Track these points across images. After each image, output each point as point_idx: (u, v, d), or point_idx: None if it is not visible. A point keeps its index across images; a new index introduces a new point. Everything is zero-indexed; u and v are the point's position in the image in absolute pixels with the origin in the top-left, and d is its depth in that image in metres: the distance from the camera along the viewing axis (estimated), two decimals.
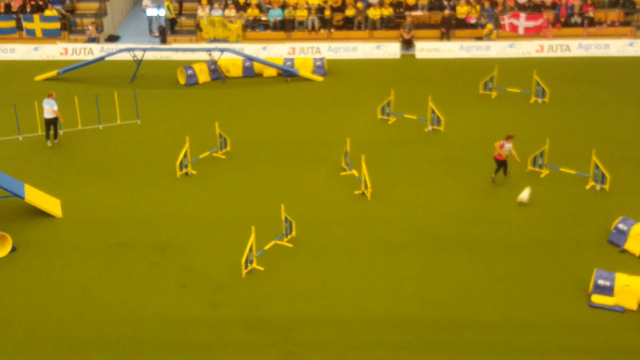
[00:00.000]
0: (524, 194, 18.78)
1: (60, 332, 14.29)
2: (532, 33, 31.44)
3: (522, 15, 31.36)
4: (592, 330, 14.18)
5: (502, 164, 19.72)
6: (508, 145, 19.43)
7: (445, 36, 31.82)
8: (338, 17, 32.53)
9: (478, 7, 32.43)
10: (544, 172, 20.18)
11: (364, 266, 16.23)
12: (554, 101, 25.38)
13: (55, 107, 22.04)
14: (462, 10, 32.22)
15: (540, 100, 25.51)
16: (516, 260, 16.37)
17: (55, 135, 22.67)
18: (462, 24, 32.20)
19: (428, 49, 30.96)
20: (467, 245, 16.94)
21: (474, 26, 32.10)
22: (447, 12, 31.90)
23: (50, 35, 31.87)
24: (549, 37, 31.36)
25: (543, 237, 17.24)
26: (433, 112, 23.18)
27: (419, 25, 32.42)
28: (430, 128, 23.26)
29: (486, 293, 15.25)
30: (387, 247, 16.95)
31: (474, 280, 15.68)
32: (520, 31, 31.42)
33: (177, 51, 30.44)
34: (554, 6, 32.49)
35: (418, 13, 32.60)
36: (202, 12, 32.32)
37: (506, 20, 31.44)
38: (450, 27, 31.85)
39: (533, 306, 14.82)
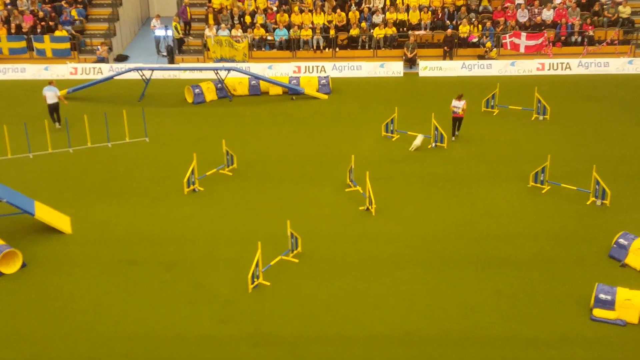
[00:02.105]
0: (417, 141, 22.50)
1: (71, 349, 14.46)
2: (533, 51, 31.80)
3: (523, 34, 31.73)
4: (594, 344, 14.36)
5: (456, 120, 23.48)
6: (459, 103, 23.11)
7: (448, 55, 32.21)
8: (342, 36, 32.94)
9: (480, 26, 32.83)
10: (546, 188, 20.44)
11: (370, 282, 16.43)
12: (555, 118, 25.69)
13: (59, 93, 24.92)
14: (464, 30, 32.62)
15: (541, 117, 25.83)
16: (519, 276, 16.56)
17: (59, 120, 25.12)
18: (464, 43, 32.59)
19: (431, 67, 31.33)
20: (472, 262, 17.14)
21: (476, 45, 32.49)
22: (449, 31, 32.31)
23: (60, 55, 32.32)
24: (549, 55, 31.71)
25: (545, 253, 17.45)
26: (436, 129, 23.49)
27: (422, 44, 32.82)
28: (433, 145, 23.55)
29: (491, 309, 15.43)
30: (392, 263, 17.16)
31: (478, 296, 15.87)
32: (522, 50, 31.80)
33: (185, 70, 30.86)
34: (554, 25, 32.88)
35: (421, 32, 33.00)
36: (209, 32, 32.78)
37: (507, 39, 31.83)
38: (452, 46, 32.24)
39: (537, 321, 15.00)
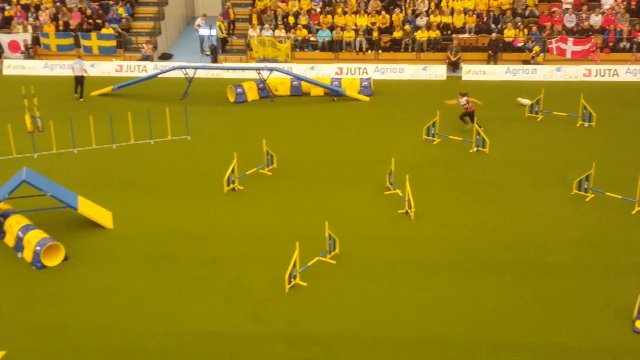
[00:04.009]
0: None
1: (108, 342, 14.65)
2: (580, 57, 31.34)
3: (570, 39, 31.29)
4: (635, 357, 14.08)
5: (467, 114, 24.46)
6: (462, 100, 24.08)
7: (492, 59, 31.91)
8: (386, 38, 32.86)
9: (525, 30, 32.45)
10: (589, 196, 20.11)
11: (406, 286, 16.36)
12: (600, 125, 25.27)
13: (85, 66, 27.62)
14: (509, 34, 32.29)
15: (586, 124, 25.42)
16: (558, 283, 16.32)
17: (81, 94, 27.52)
18: (509, 47, 32.25)
19: (474, 71, 31.08)
20: (510, 268, 16.95)
21: (521, 50, 32.12)
22: (494, 35, 32.01)
23: (106, 53, 32.82)
24: (596, 61, 31.21)
25: (587, 261, 17.18)
26: (478, 133, 23.28)
27: (466, 48, 32.57)
28: (475, 149, 23.35)
29: (528, 316, 15.23)
30: (430, 267, 17.06)
31: (515, 302, 15.68)
32: (568, 55, 31.36)
33: (228, 70, 31.08)
34: (602, 31, 32.35)
35: (465, 36, 32.75)
36: (253, 32, 32.98)
37: (554, 43, 31.41)
38: (497, 50, 31.93)
39: (575, 331, 14.77)
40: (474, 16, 33.17)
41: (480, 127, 23.71)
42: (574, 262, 17.15)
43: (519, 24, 32.68)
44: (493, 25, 32.91)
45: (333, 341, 14.57)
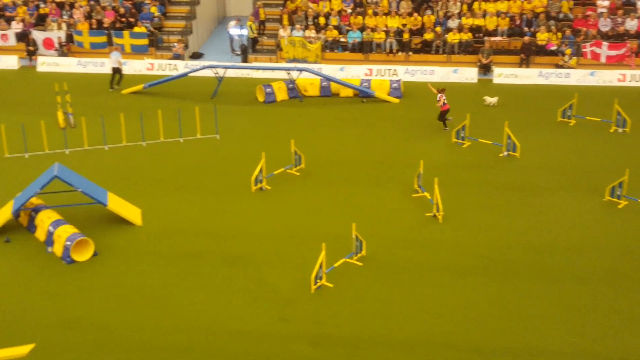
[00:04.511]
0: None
1: (134, 337, 14.77)
2: (615, 62, 30.90)
3: (605, 43, 30.89)
4: None
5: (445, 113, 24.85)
6: (438, 95, 24.61)
7: (525, 62, 31.61)
8: (416, 40, 32.70)
9: (559, 34, 32.10)
10: (622, 203, 19.81)
11: (433, 289, 16.26)
12: (635, 131, 24.88)
13: (120, 59, 29.55)
14: (542, 37, 31.96)
15: (620, 130, 25.05)
16: (589, 290, 16.10)
17: (119, 82, 29.47)
18: (542, 50, 31.93)
19: (506, 74, 30.81)
20: (539, 273, 16.75)
21: (554, 53, 31.78)
22: (527, 38, 31.70)
23: (138, 51, 33.08)
24: (632, 66, 30.76)
25: (618, 269, 16.91)
26: (509, 137, 23.06)
27: (498, 50, 32.28)
28: (505, 153, 23.14)
29: (556, 323, 15.03)
30: (457, 271, 16.94)
31: (544, 309, 15.50)
32: (602, 60, 30.94)
33: (257, 69, 31.16)
34: (638, 35, 31.86)
35: (497, 39, 32.48)
36: (283, 32, 33.03)
37: (588, 48, 31.03)
38: (529, 53, 31.62)
39: (605, 339, 14.55)
40: (507, 19, 32.86)
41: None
42: (605, 269, 16.90)
43: (552, 27, 32.33)
44: (526, 28, 32.57)
45: (358, 343, 14.53)
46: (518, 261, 17.29)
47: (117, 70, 29.74)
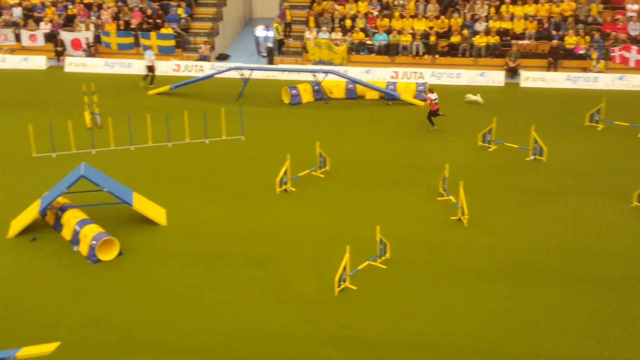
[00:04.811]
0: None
1: (158, 337, 14.82)
2: None
3: (634, 47, 30.52)
4: None
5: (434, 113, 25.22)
6: (432, 95, 24.87)
7: (552, 66, 31.33)
8: (443, 43, 32.56)
9: (587, 37, 31.78)
10: None
11: (457, 293, 16.15)
12: None
13: (152, 57, 30.38)
14: (570, 41, 31.66)
15: None
16: (615, 297, 15.90)
17: (152, 81, 30.18)
18: (570, 54, 31.63)
19: (533, 78, 30.57)
20: (565, 279, 16.58)
21: (582, 57, 31.47)
22: (555, 42, 31.42)
23: (165, 52, 33.28)
24: None
25: None
26: (535, 141, 22.86)
27: (525, 54, 32.04)
28: (531, 157, 22.94)
29: (583, 330, 14.86)
30: (482, 275, 16.81)
31: (569, 314, 15.33)
32: (631, 64, 30.59)
33: (283, 71, 31.20)
34: None
35: (525, 42, 32.24)
36: (310, 34, 33.04)
37: (617, 52, 30.69)
38: (557, 57, 31.34)
39: (633, 346, 14.35)
40: (535, 22, 32.61)
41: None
42: (632, 275, 16.68)
43: (581, 31, 32.01)
44: (554, 32, 32.31)
45: (382, 346, 14.47)
46: (543, 266, 17.12)
47: (150, 69, 30.39)
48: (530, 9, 33.25)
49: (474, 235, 18.53)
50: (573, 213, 19.56)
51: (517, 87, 30.48)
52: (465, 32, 32.57)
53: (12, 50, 34.03)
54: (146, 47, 32.29)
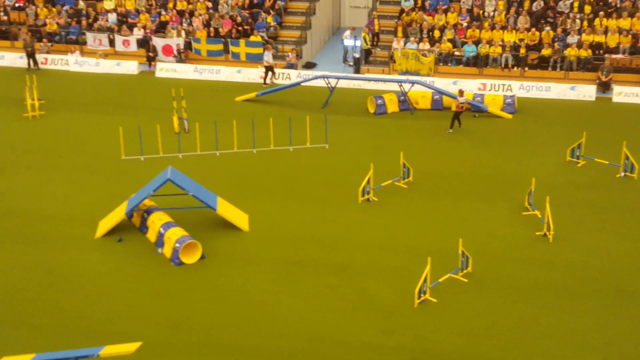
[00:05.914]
0: None
1: (237, 340, 14.99)
2: None
3: None
4: None
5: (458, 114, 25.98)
6: (462, 99, 25.55)
7: None
8: (533, 55, 31.89)
9: None
10: None
11: (539, 310, 15.74)
12: None
13: (268, 58, 31.56)
14: None
15: None
16: None
17: (271, 78, 31.63)
18: None
19: (627, 93, 29.58)
20: None
21: None
22: None
23: (253, 60, 33.76)
24: None
25: None
26: (627, 157, 22.11)
27: (619, 68, 31.04)
28: (622, 174, 22.19)
29: None
30: (566, 292, 16.34)
31: None
32: None
33: (369, 81, 31.19)
34: None
35: (619, 56, 31.23)
36: (397, 44, 32.93)
37: None
38: None
39: None
40: (629, 36, 31.57)
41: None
42: None
43: None
44: None
45: (459, 359, 14.24)
46: (629, 284, 16.55)
47: (269, 68, 31.46)
48: (624, 23, 32.20)
49: (559, 251, 18.04)
50: None
51: (609, 102, 29.56)
52: (557, 44, 31.78)
53: (105, 55, 35.21)
54: (263, 46, 33.20)
